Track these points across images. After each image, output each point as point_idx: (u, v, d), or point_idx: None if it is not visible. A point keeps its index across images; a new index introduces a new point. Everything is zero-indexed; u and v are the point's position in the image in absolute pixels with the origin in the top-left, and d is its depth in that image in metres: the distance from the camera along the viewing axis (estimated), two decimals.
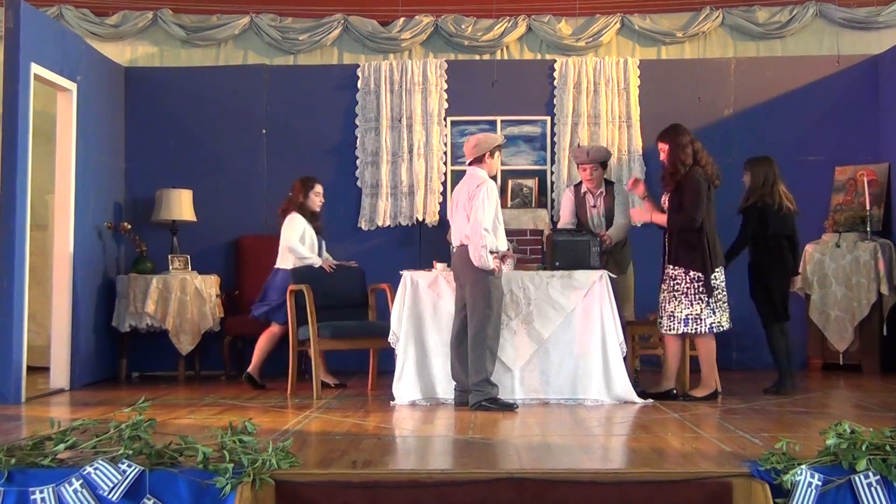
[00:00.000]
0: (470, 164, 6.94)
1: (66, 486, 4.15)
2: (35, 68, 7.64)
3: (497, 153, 6.98)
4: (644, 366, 8.33)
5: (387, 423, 6.16)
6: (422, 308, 7.17)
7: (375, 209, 9.68)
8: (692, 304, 7.01)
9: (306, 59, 10.16)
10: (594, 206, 7.96)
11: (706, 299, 6.96)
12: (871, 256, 8.83)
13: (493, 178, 7.05)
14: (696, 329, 7.02)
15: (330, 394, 7.66)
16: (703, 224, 6.99)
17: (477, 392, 6.68)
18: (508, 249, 7.07)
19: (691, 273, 6.99)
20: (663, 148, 7.18)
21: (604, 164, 7.94)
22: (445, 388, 7.07)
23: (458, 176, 9.71)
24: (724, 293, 7.08)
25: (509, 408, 6.62)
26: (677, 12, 10.14)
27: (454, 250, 6.96)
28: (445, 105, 9.82)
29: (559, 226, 8.19)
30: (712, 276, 6.97)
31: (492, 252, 6.67)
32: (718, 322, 7.01)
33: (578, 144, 9.54)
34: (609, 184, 8.04)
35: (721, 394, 7.23)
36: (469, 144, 6.94)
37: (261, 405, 7.02)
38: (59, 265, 8.28)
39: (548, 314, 7.12)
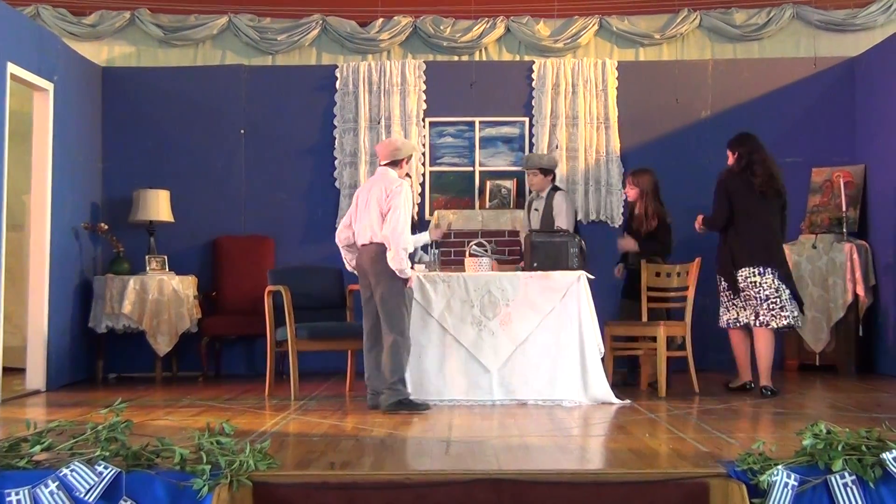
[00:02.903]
0: (384, 165, 6.92)
1: (42, 487, 4.11)
2: (11, 67, 7.60)
3: (409, 161, 7.01)
4: (616, 367, 8.10)
5: (365, 424, 6.14)
6: None
7: None
8: (721, 302, 7.74)
9: (284, 59, 10.13)
10: (536, 209, 8.32)
11: (722, 297, 7.66)
12: (848, 258, 8.88)
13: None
14: (721, 324, 7.75)
15: (307, 394, 7.65)
16: (730, 226, 7.50)
17: (392, 392, 6.65)
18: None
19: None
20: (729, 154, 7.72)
21: (544, 172, 8.28)
22: (421, 389, 7.05)
23: (436, 176, 9.77)
24: (763, 291, 7.42)
25: (423, 408, 6.65)
26: (655, 14, 10.17)
27: (359, 248, 6.90)
28: (424, 106, 9.81)
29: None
30: (738, 275, 7.48)
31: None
32: (735, 318, 7.58)
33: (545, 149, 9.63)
34: (554, 189, 8.31)
35: (752, 388, 7.59)
36: (389, 147, 6.92)
37: (238, 406, 7.00)
38: (35, 266, 8.22)
39: (526, 315, 7.12)
